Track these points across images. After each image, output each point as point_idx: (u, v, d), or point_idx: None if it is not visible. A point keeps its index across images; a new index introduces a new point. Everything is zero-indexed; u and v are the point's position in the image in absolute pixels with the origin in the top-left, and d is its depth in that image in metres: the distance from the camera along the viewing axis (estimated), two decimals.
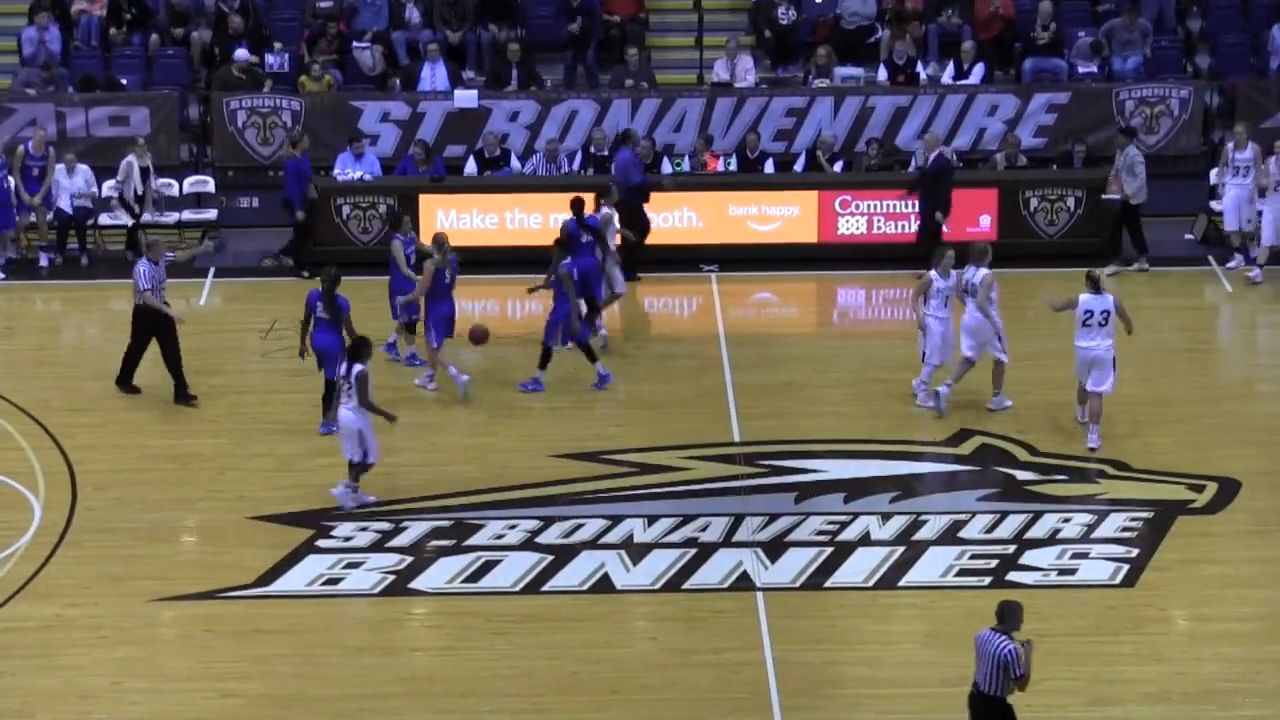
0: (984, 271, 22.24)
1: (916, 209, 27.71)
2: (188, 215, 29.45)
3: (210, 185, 29.72)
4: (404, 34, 31.63)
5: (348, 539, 19.39)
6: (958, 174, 27.80)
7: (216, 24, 31.56)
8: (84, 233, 28.73)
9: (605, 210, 25.03)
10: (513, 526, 19.63)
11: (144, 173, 28.30)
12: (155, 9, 31.91)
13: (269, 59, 31.02)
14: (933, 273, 22.32)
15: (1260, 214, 27.01)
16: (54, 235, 28.41)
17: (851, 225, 28.39)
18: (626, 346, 25.08)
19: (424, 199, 28.06)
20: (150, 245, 23.33)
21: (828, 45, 31.23)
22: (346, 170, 28.69)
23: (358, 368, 19.80)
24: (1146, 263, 27.58)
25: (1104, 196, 27.72)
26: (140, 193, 28.23)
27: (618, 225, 25.35)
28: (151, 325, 22.93)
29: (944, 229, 26.90)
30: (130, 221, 28.40)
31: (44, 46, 30.66)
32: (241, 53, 30.43)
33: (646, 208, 27.37)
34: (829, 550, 19.02)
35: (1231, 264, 27.50)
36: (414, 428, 21.98)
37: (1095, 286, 21.52)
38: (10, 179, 27.94)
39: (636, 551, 19.08)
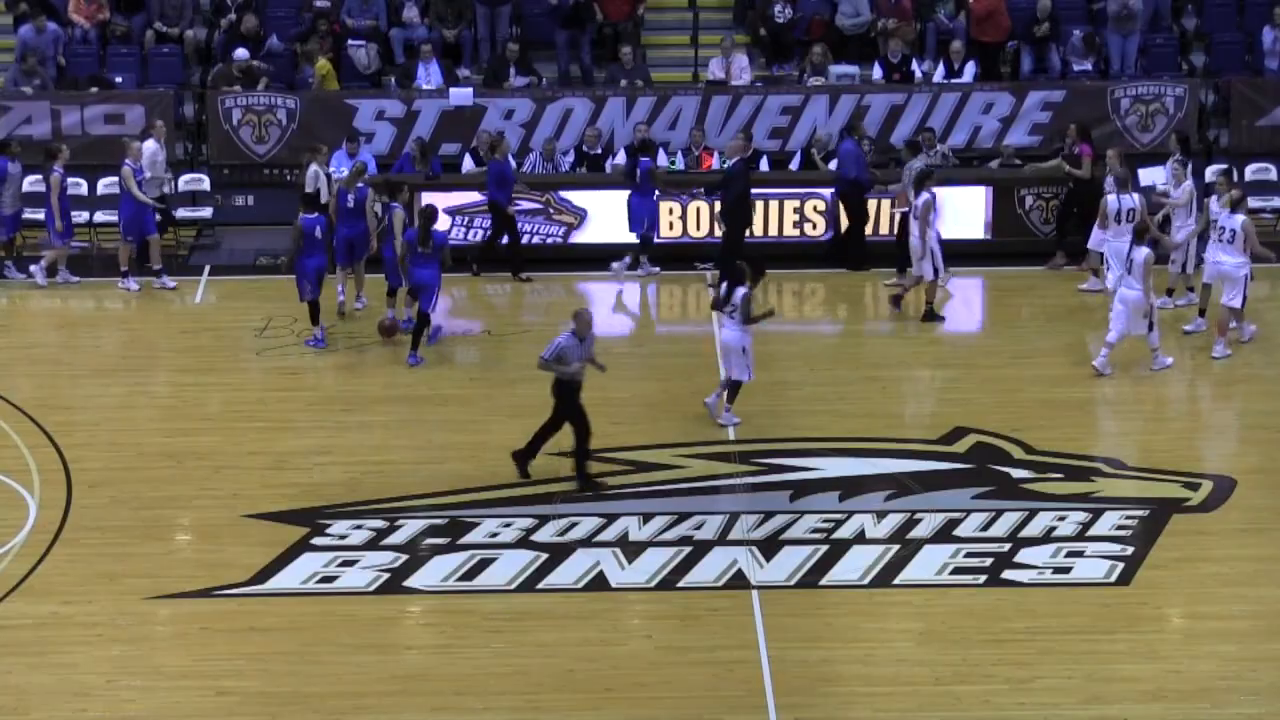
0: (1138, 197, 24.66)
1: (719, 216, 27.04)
2: (183, 213, 29.44)
3: (205, 183, 29.71)
4: (400, 32, 31.61)
5: (343, 537, 19.39)
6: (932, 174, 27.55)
7: (212, 21, 31.58)
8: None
9: (926, 196, 24.97)
10: (508, 524, 19.62)
11: (329, 178, 27.28)
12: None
13: (273, 43, 30.95)
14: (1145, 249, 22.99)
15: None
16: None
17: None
18: (623, 345, 25.08)
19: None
20: (576, 316, 20.37)
21: (823, 43, 31.26)
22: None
23: (741, 290, 21.24)
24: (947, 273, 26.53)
25: (894, 210, 27.35)
26: (325, 201, 27.01)
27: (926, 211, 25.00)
28: (569, 400, 20.44)
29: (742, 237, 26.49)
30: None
31: (43, 47, 30.64)
32: (241, 52, 30.41)
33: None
34: (824, 548, 19.01)
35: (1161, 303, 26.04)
36: (409, 425, 21.97)
37: (1230, 206, 23.65)
38: (64, 187, 27.08)
39: (632, 549, 19.09)
